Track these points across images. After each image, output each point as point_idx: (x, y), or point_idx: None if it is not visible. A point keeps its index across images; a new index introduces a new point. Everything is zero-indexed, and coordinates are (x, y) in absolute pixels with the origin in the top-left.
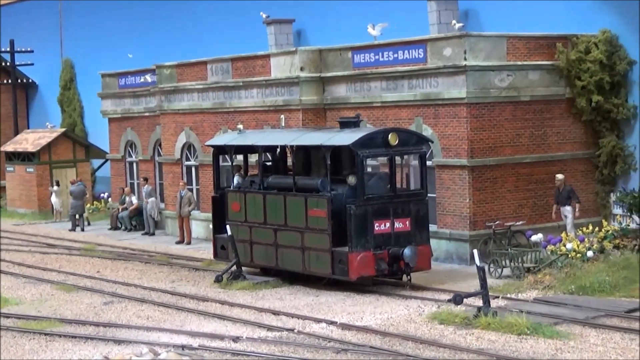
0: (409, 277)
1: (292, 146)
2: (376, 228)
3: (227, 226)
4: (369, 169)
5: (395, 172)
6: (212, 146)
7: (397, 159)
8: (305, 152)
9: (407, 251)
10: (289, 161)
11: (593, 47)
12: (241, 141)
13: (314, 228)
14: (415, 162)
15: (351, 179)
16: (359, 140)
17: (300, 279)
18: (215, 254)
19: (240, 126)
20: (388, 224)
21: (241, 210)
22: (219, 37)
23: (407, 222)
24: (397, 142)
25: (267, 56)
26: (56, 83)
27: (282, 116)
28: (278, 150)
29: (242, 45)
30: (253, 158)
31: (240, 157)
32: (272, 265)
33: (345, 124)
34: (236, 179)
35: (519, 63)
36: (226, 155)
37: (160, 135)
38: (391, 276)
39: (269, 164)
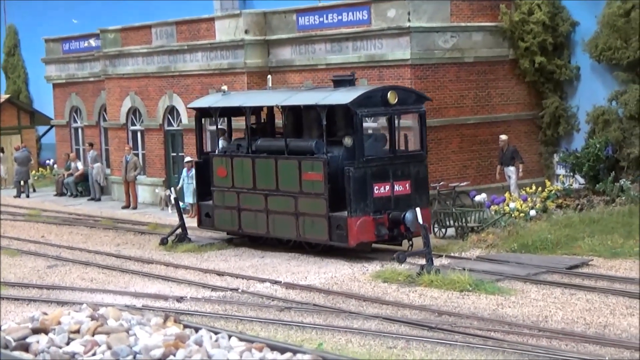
0: (410, 242)
1: (284, 107)
2: (375, 191)
3: (172, 188)
4: None
5: (395, 132)
6: (196, 109)
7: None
8: (295, 113)
9: (408, 215)
10: (276, 123)
11: (536, 9)
12: (227, 103)
13: (308, 192)
14: (410, 122)
15: (347, 140)
16: (357, 98)
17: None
18: (200, 222)
19: (225, 87)
20: (388, 187)
21: (228, 175)
22: (164, 1)
23: (407, 185)
24: (396, 100)
25: (212, 19)
26: None
27: (269, 77)
28: (266, 111)
29: (187, 10)
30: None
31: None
32: (262, 233)
33: (339, 83)
34: (221, 143)
35: (463, 24)
36: (206, 119)
37: (105, 100)
38: (391, 241)
39: (254, 126)
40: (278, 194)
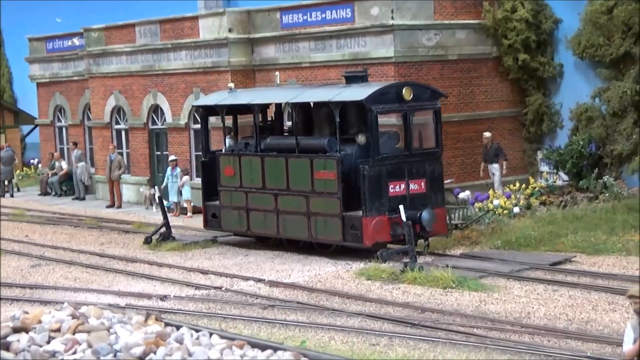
0: (426, 242)
1: (294, 104)
2: (391, 190)
3: (156, 187)
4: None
5: (410, 129)
6: (201, 107)
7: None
8: (304, 111)
9: (425, 215)
10: (283, 121)
11: (519, 6)
12: (234, 100)
13: (321, 192)
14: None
15: (361, 138)
16: (371, 95)
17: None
18: (206, 223)
19: (231, 85)
20: (403, 186)
21: (236, 175)
22: (148, 0)
23: (422, 184)
24: (411, 96)
25: (196, 18)
26: None
27: (277, 73)
28: (273, 109)
29: (171, 8)
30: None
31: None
32: (272, 234)
33: (351, 79)
34: (228, 142)
35: (446, 22)
36: (212, 117)
37: (90, 99)
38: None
39: (261, 124)
40: (289, 194)
